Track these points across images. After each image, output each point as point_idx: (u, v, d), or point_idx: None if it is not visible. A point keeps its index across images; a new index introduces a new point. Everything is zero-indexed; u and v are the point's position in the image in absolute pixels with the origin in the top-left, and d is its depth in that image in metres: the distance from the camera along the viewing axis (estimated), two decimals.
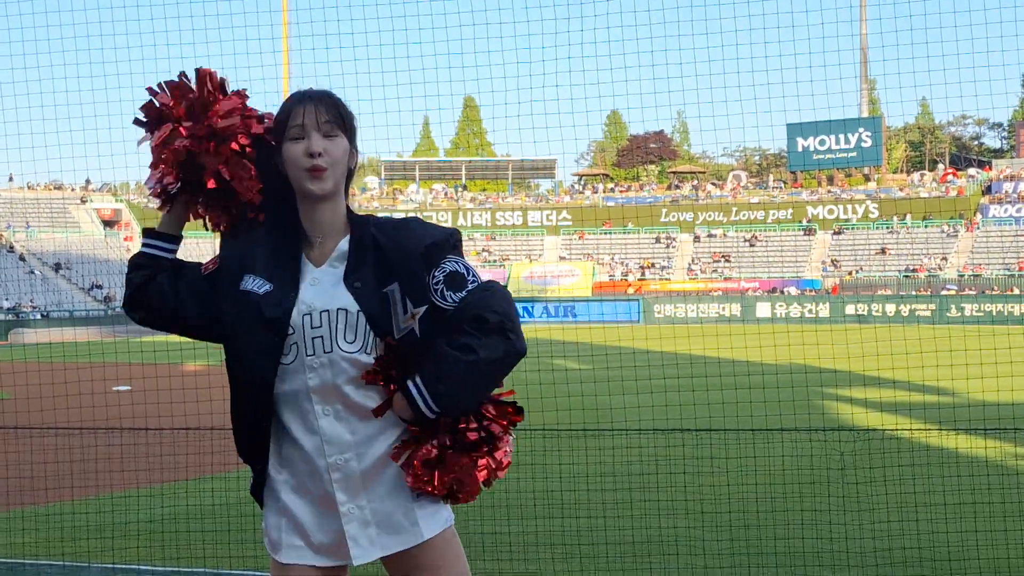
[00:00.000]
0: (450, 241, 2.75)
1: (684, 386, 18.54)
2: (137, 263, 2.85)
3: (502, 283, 2.67)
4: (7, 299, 53.98)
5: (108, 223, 68.77)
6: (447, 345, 2.63)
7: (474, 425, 2.68)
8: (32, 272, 58.53)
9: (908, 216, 61.25)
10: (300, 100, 2.73)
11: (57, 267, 59.85)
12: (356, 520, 2.67)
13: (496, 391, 2.77)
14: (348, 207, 2.82)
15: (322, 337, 2.64)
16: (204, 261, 2.89)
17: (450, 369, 2.60)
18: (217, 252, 2.87)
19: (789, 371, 22.15)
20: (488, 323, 2.63)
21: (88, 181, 70.10)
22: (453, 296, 2.67)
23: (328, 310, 2.65)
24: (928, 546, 9.24)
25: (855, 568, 8.58)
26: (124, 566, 9.41)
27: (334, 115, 2.73)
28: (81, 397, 15.15)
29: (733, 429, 13.65)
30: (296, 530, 2.72)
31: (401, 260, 2.67)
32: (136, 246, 63.02)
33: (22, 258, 59.74)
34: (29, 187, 68.06)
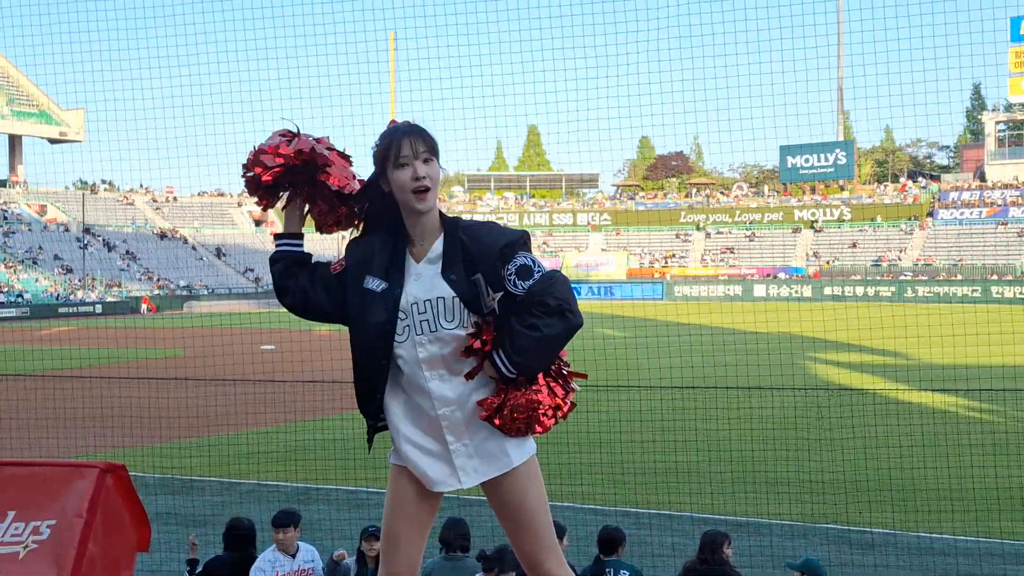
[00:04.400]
0: (520, 240, 2.72)
1: (697, 351, 18.38)
2: (274, 259, 2.88)
3: (560, 270, 2.65)
4: (183, 279, 55.07)
5: (257, 222, 69.57)
6: (518, 323, 2.63)
7: (543, 381, 2.69)
8: (201, 259, 59.55)
9: (875, 218, 60.32)
10: (403, 133, 2.71)
11: (219, 254, 60.78)
12: (463, 455, 2.70)
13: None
14: (440, 211, 2.79)
15: (427, 320, 2.65)
16: (332, 262, 2.89)
17: (521, 343, 2.61)
18: (340, 255, 2.87)
19: (779, 340, 21.95)
20: (549, 306, 2.61)
21: (243, 190, 70.90)
22: (523, 284, 2.64)
23: (431, 299, 2.65)
24: (887, 478, 9.10)
25: (828, 493, 8.50)
26: (268, 483, 9.57)
27: (429, 145, 2.70)
28: (234, 356, 15.39)
29: (734, 387, 13.53)
30: (416, 459, 2.74)
31: (483, 255, 2.65)
32: None
33: (193, 248, 60.81)
34: (199, 194, 69.08)
